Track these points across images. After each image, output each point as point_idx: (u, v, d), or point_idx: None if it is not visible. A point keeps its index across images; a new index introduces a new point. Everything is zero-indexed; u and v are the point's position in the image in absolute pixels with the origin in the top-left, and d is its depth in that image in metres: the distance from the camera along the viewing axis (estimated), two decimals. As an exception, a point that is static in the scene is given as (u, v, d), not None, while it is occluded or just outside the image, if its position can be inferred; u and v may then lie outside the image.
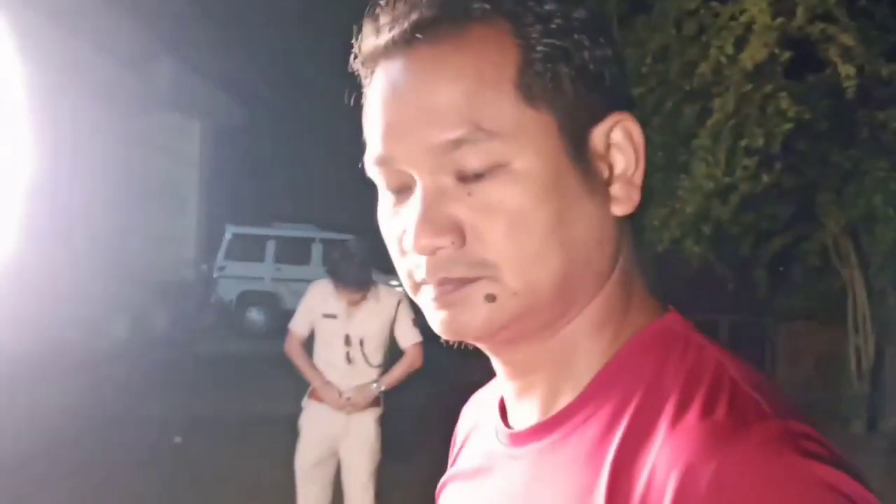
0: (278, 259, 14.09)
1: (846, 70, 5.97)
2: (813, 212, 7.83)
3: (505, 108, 0.63)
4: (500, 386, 0.76)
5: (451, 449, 0.89)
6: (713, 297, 8.88)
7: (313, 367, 4.22)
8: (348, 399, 4.13)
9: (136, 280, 9.49)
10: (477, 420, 0.85)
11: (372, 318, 4.18)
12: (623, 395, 0.65)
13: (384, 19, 0.66)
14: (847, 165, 6.84)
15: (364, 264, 4.13)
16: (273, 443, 7.24)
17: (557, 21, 0.65)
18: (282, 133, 15.68)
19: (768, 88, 6.31)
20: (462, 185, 0.63)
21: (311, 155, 15.76)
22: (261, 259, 14.04)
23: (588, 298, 0.68)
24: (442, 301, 0.65)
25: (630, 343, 0.68)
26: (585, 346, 0.69)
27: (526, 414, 0.72)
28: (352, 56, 0.70)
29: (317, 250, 14.22)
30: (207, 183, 13.03)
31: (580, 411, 0.67)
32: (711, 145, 6.45)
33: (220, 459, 6.72)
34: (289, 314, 13.65)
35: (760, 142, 6.18)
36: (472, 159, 0.63)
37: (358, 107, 0.71)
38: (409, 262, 0.67)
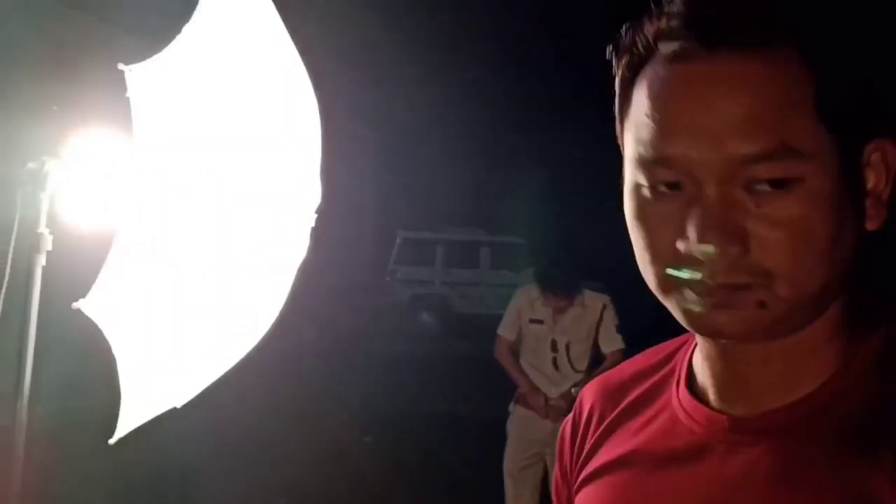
0: (447, 263, 14.29)
1: None
2: None
3: (808, 128, 0.64)
4: (684, 362, 0.80)
5: (575, 433, 0.89)
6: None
7: (522, 372, 4.23)
8: (553, 405, 4.11)
9: (321, 283, 9.83)
10: (622, 405, 0.85)
11: (578, 324, 4.15)
12: (869, 396, 0.69)
13: (676, 21, 0.67)
14: None
15: (573, 271, 4.12)
16: (459, 440, 7.36)
17: (852, 49, 0.68)
18: (450, 141, 15.91)
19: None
20: (751, 196, 0.65)
21: (481, 161, 15.91)
22: (430, 263, 14.28)
23: (829, 305, 0.71)
24: (714, 303, 0.67)
25: (866, 348, 0.71)
26: (821, 348, 0.72)
27: (742, 403, 0.74)
28: (616, 48, 0.73)
29: (485, 254, 14.33)
30: (383, 190, 13.40)
31: (829, 404, 0.70)
32: None
33: (409, 456, 6.83)
34: (458, 316, 13.82)
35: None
36: (770, 173, 0.65)
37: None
38: (671, 258, 0.68)
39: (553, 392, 4.17)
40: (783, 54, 0.65)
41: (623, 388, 0.87)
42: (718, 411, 0.75)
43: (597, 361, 4.24)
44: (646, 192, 0.70)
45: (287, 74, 1.40)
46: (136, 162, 1.19)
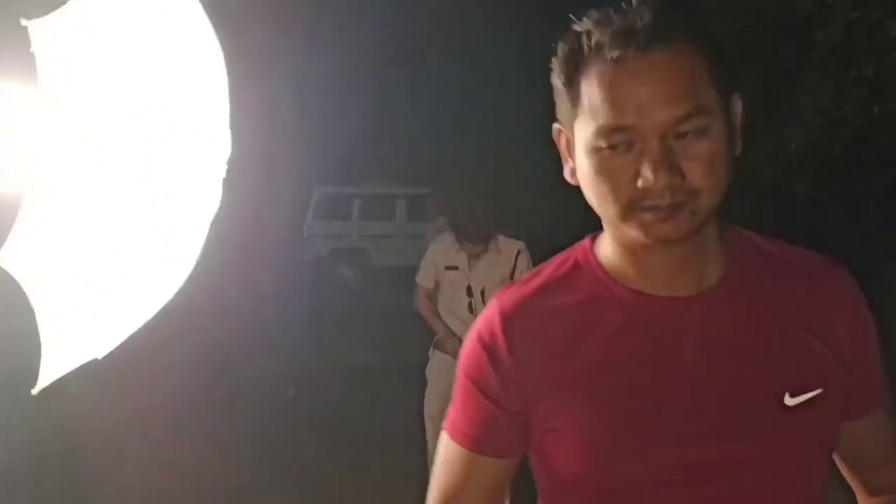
0: (364, 216, 14.31)
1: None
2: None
3: (710, 95, 1.00)
4: (603, 271, 1.12)
5: (503, 363, 1.11)
6: (820, 235, 8.66)
7: (439, 318, 4.33)
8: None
9: (239, 239, 9.76)
10: (574, 334, 1.09)
11: (493, 269, 4.25)
12: (753, 269, 1.10)
13: (620, 32, 0.99)
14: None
15: (485, 217, 4.20)
16: (382, 390, 7.45)
17: (711, 38, 1.04)
18: (366, 92, 15.76)
19: (876, 15, 6.10)
20: (680, 142, 0.98)
21: (397, 114, 15.83)
22: (348, 217, 14.28)
23: (717, 207, 1.03)
24: (662, 217, 0.99)
25: (730, 241, 1.11)
26: (714, 245, 1.08)
27: (678, 286, 1.08)
28: (562, 51, 1.04)
29: (401, 206, 14.38)
30: (300, 144, 13.30)
31: (737, 275, 1.09)
32: (817, 78, 6.30)
33: (340, 407, 6.89)
34: (378, 269, 13.80)
35: (870, 71, 6.00)
36: (691, 127, 0.98)
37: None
38: (630, 193, 0.99)
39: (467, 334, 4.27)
40: (688, 48, 0.99)
41: (548, 317, 1.12)
42: (667, 297, 1.08)
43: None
44: (606, 152, 1.00)
45: (193, 25, 1.42)
46: (43, 114, 1.21)
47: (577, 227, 1.27)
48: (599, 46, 1.00)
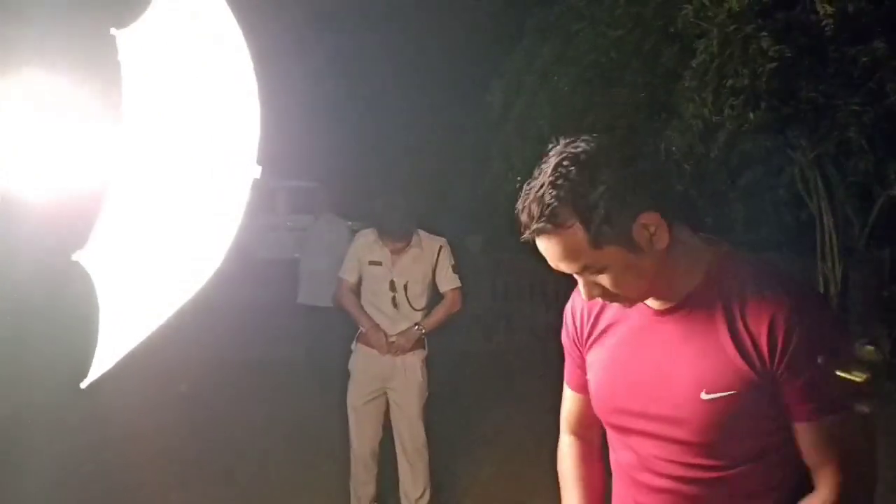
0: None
1: (825, 9, 6.23)
2: (782, 147, 8.18)
3: (592, 254, 1.42)
4: None
5: (573, 318, 1.77)
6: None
7: (363, 311, 4.43)
8: (393, 342, 4.35)
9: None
10: (606, 307, 1.66)
11: (415, 265, 4.39)
12: (716, 295, 1.48)
13: (523, 224, 1.45)
14: (820, 100, 7.13)
15: (407, 214, 4.33)
16: (270, 384, 7.46)
17: (593, 215, 1.40)
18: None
19: (749, 29, 6.54)
20: (589, 276, 1.48)
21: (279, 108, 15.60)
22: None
23: (670, 273, 1.49)
24: (615, 305, 1.57)
25: (708, 269, 1.51)
26: (682, 284, 1.52)
27: (660, 303, 1.55)
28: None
29: (282, 198, 14.26)
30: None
31: (691, 303, 1.50)
32: (698, 86, 6.71)
33: (225, 403, 6.87)
34: (258, 261, 13.57)
35: (746, 81, 6.44)
36: (589, 272, 1.46)
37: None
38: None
39: (392, 329, 4.40)
40: (569, 225, 1.40)
41: (590, 314, 1.72)
42: (654, 310, 1.57)
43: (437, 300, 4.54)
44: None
45: (227, 25, 1.49)
46: (125, 123, 1.28)
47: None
48: (524, 231, 1.46)
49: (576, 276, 1.49)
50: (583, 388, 1.75)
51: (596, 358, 1.68)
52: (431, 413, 4.67)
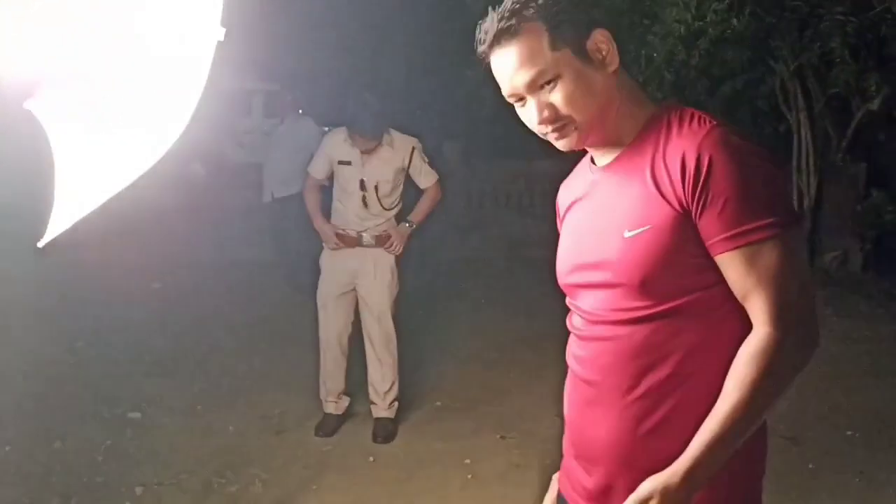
0: (220, 110, 13.86)
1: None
2: (763, 58, 8.10)
3: (550, 55, 1.46)
4: (589, 158, 1.65)
5: (557, 209, 1.77)
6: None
7: (318, 208, 4.45)
8: (388, 240, 4.37)
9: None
10: (573, 190, 1.70)
11: (386, 165, 4.35)
12: (650, 142, 1.49)
13: (480, 39, 1.51)
14: (805, 10, 7.04)
15: (378, 114, 4.26)
16: (249, 282, 7.47)
17: (556, 12, 1.47)
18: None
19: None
20: (544, 91, 1.48)
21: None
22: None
23: (616, 110, 1.52)
24: (556, 137, 1.52)
25: (645, 124, 1.52)
26: (625, 130, 1.54)
27: (605, 160, 1.58)
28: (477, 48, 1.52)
29: (257, 102, 14.04)
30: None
31: (629, 152, 1.53)
32: (681, -11, 6.58)
33: (198, 298, 6.88)
34: (231, 165, 13.44)
35: (732, -15, 6.34)
36: (543, 80, 1.47)
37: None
38: (535, 128, 1.53)
39: (362, 226, 4.39)
40: (525, 33, 1.46)
41: (571, 183, 1.75)
42: (600, 167, 1.60)
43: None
44: (517, 106, 1.55)
45: None
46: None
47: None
48: (482, 42, 1.51)
49: (529, 97, 1.50)
50: None
51: (564, 233, 1.71)
52: (403, 314, 4.70)
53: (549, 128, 1.50)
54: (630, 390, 1.51)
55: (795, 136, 8.43)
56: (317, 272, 4.55)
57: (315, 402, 4.67)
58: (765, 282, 1.38)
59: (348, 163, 4.35)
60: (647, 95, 1.60)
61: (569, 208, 1.70)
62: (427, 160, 4.47)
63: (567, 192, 1.73)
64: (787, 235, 1.39)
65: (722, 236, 1.38)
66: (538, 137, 1.56)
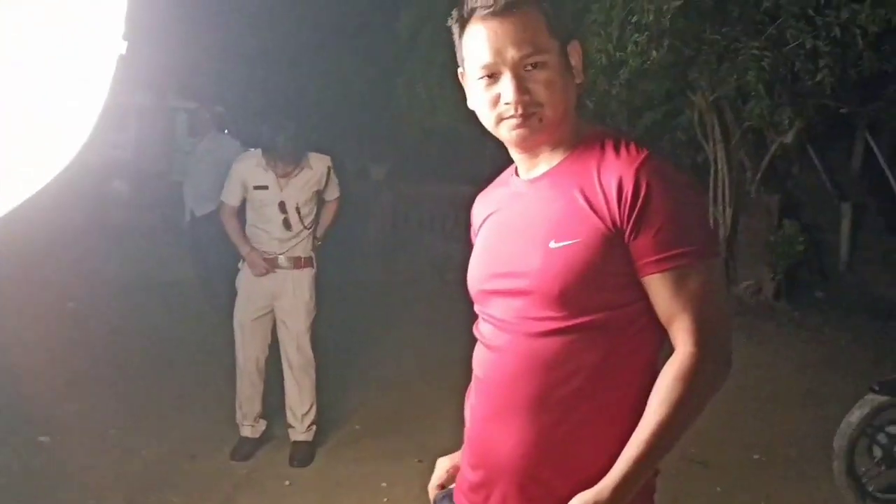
0: (141, 128, 13.65)
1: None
2: (682, 89, 8.31)
3: (546, 40, 1.50)
4: (516, 168, 1.67)
5: (472, 217, 1.80)
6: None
7: (241, 235, 4.42)
8: (275, 260, 4.36)
9: None
10: (491, 202, 1.72)
11: (305, 186, 4.37)
12: (583, 160, 1.52)
13: (483, 4, 1.49)
14: (722, 44, 7.25)
15: (295, 138, 4.25)
16: (167, 302, 7.33)
17: (554, 9, 1.52)
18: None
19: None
20: (527, 72, 1.50)
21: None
22: (124, 129, 13.56)
23: (570, 119, 1.56)
24: (518, 124, 1.52)
25: (580, 142, 1.55)
26: (565, 141, 1.56)
27: (533, 173, 1.61)
28: (455, 14, 1.55)
29: (181, 120, 13.85)
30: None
31: (561, 167, 1.55)
32: (604, 21, 6.72)
33: (114, 318, 6.72)
34: (163, 185, 13.18)
35: (651, 18, 6.49)
36: (533, 61, 1.49)
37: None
38: (499, 109, 1.53)
39: (282, 248, 4.37)
40: (531, 11, 1.49)
41: (490, 193, 1.77)
42: (526, 180, 1.63)
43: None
44: (482, 83, 1.54)
45: None
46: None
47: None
48: (472, 11, 1.51)
49: (509, 73, 1.50)
50: None
51: (477, 242, 1.75)
52: (322, 336, 4.67)
53: (519, 109, 1.50)
54: (538, 401, 1.52)
55: (712, 167, 8.64)
56: (234, 293, 4.49)
57: (231, 425, 4.59)
58: (690, 305, 1.44)
59: (265, 187, 4.32)
60: (585, 120, 1.65)
61: (485, 220, 1.72)
62: (336, 181, 4.52)
63: (484, 204, 1.76)
64: (711, 263, 1.48)
65: (653, 258, 1.44)
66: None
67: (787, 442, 5.00)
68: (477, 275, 1.68)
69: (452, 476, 1.81)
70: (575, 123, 1.58)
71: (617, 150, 1.50)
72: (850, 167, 11.04)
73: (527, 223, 1.57)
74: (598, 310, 1.48)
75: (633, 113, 8.66)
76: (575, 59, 1.56)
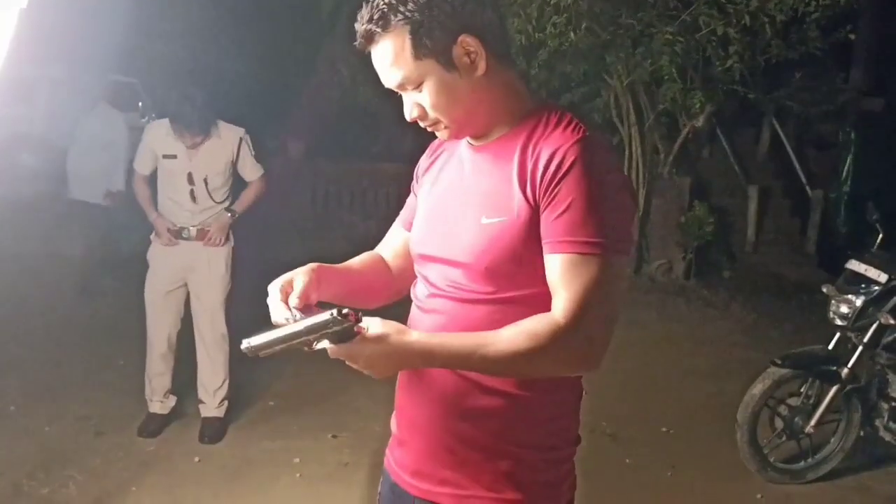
0: (53, 102, 13.14)
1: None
2: (599, 72, 8.44)
3: (413, 63, 1.48)
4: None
5: (417, 167, 1.80)
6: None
7: (150, 204, 4.37)
8: (202, 230, 4.27)
9: None
10: (437, 158, 1.74)
11: (214, 157, 4.28)
12: (522, 135, 1.51)
13: (357, 27, 1.49)
14: (637, 28, 7.38)
15: (204, 107, 4.16)
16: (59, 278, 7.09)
17: (420, 21, 1.45)
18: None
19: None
20: (411, 92, 1.53)
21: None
22: (30, 101, 13.05)
23: (486, 109, 1.54)
24: (433, 130, 1.59)
25: (523, 117, 1.54)
26: (500, 122, 1.56)
27: (481, 141, 1.60)
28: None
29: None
30: None
31: (502, 139, 1.55)
32: (524, 1, 6.77)
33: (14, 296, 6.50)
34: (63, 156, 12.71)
35: (570, 1, 6.57)
36: (410, 86, 1.51)
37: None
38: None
39: (192, 221, 4.29)
40: (391, 38, 1.47)
41: (438, 146, 1.76)
42: (470, 146, 1.63)
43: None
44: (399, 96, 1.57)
45: None
46: None
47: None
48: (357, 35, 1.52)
49: (399, 92, 1.55)
50: (409, 224, 1.77)
51: (422, 198, 1.74)
52: (237, 312, 4.60)
53: (421, 124, 1.57)
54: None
55: (627, 150, 8.80)
56: (144, 266, 4.39)
57: (140, 401, 4.50)
58: (575, 287, 1.41)
59: (174, 156, 4.22)
60: (531, 91, 1.62)
61: (427, 172, 1.75)
62: (254, 153, 4.40)
63: (431, 157, 1.77)
64: (612, 260, 1.43)
65: (553, 239, 1.43)
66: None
67: (694, 415, 5.16)
68: (416, 238, 1.70)
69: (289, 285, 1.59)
70: (510, 100, 1.55)
71: (558, 125, 1.49)
72: (757, 152, 11.37)
73: (465, 193, 1.59)
74: (527, 286, 1.49)
75: (552, 94, 8.75)
76: (469, 55, 1.48)
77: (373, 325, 1.42)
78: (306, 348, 1.42)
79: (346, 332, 1.39)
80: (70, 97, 13.15)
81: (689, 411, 5.22)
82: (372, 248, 1.88)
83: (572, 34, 6.76)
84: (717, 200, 9.75)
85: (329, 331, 1.38)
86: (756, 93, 8.27)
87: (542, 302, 1.47)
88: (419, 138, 1.80)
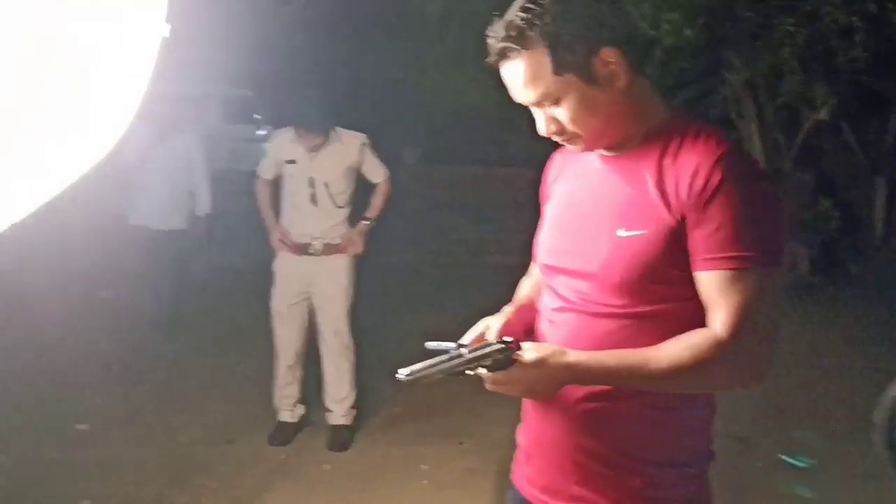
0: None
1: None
2: (716, 68, 8.23)
3: (551, 79, 1.45)
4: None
5: (546, 176, 1.79)
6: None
7: (268, 210, 4.47)
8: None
9: None
10: (567, 166, 1.71)
11: (335, 161, 4.34)
12: (658, 147, 1.49)
13: (489, 50, 1.49)
14: (756, 21, 7.17)
15: (323, 110, 4.25)
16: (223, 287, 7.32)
17: (560, 35, 1.43)
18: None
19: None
20: (548, 108, 1.49)
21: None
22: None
23: (624, 120, 1.51)
24: (568, 144, 1.57)
25: (656, 129, 1.51)
26: (637, 133, 1.52)
27: (613, 151, 1.56)
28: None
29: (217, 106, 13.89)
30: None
31: (636, 152, 1.52)
32: (637, -1, 6.67)
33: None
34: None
35: (684, -4, 6.43)
36: (547, 102, 1.48)
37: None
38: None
39: (313, 227, 4.35)
40: (529, 53, 1.44)
41: (568, 154, 1.69)
42: (603, 156, 1.59)
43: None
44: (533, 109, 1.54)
45: None
46: None
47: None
48: (490, 54, 1.50)
49: (534, 109, 1.52)
50: None
51: (549, 208, 1.73)
52: (359, 319, 4.67)
53: (556, 138, 1.55)
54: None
55: (746, 146, 8.55)
56: (270, 278, 4.50)
57: (268, 410, 4.61)
58: (733, 302, 1.40)
59: (293, 161, 4.32)
60: (663, 100, 1.59)
61: (557, 182, 1.73)
62: (377, 156, 4.49)
63: (561, 165, 1.75)
64: (765, 273, 1.41)
65: (705, 256, 1.41)
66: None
67: (828, 416, 4.97)
68: (545, 248, 1.68)
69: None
70: (645, 112, 1.53)
71: (696, 139, 1.46)
72: (884, 142, 10.85)
73: (597, 204, 1.56)
74: (660, 301, 1.48)
75: (667, 92, 8.57)
76: (609, 67, 1.46)
77: (528, 351, 1.44)
78: (460, 376, 1.46)
79: (506, 360, 1.42)
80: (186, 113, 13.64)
81: (824, 412, 5.04)
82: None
83: (688, 31, 6.60)
84: (842, 194, 9.37)
85: (491, 359, 1.42)
86: (882, 82, 7.90)
87: (674, 318, 1.46)
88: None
